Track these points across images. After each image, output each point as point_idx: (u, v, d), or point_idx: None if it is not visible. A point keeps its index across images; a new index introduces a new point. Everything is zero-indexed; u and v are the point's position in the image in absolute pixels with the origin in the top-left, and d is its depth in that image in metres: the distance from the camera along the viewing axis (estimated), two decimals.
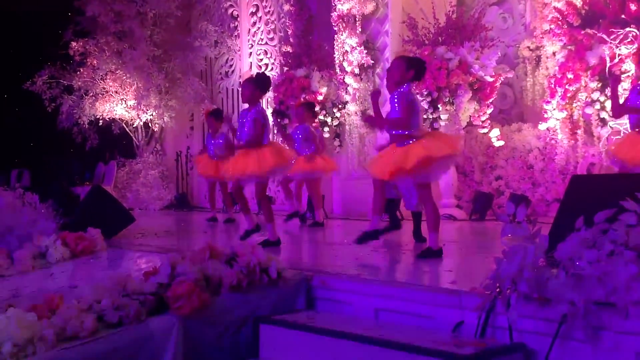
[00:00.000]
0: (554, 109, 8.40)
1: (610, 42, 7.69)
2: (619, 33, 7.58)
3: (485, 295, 3.21)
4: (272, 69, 12.08)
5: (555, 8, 8.51)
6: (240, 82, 12.55)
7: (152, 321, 3.68)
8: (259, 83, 6.05)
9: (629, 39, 7.54)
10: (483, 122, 8.81)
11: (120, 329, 3.58)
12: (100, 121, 12.95)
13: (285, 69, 10.91)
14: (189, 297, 3.72)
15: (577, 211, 3.06)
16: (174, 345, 3.64)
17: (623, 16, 7.63)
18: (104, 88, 12.78)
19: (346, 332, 3.46)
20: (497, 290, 3.11)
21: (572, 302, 2.84)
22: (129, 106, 12.85)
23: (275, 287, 4.04)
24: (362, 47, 9.67)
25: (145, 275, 4.09)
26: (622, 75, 7.63)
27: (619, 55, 7.69)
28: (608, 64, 7.77)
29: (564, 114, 8.37)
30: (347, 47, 9.74)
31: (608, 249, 2.82)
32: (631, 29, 7.52)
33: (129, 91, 12.74)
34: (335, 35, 9.95)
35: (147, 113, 12.94)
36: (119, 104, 12.82)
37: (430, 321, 3.50)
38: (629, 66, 7.57)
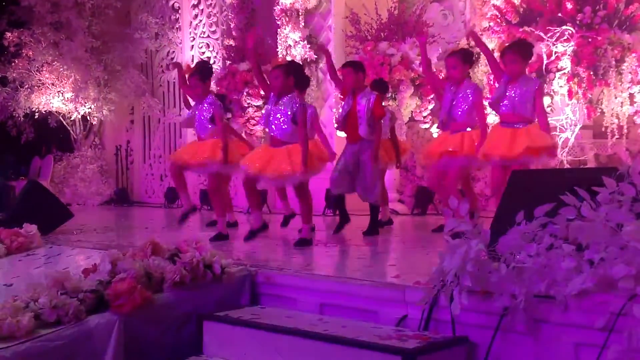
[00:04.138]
0: None
1: (547, 40, 7.86)
2: (555, 31, 7.74)
3: (428, 289, 3.25)
4: (214, 62, 11.94)
5: (494, 6, 8.66)
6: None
7: (91, 320, 3.60)
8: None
9: (565, 37, 7.71)
10: (424, 117, 8.90)
11: (59, 328, 3.50)
12: (36, 114, 12.58)
13: (228, 62, 10.80)
14: (130, 294, 3.65)
15: (518, 205, 3.13)
16: (114, 344, 3.57)
17: (560, 14, 7.81)
18: (40, 80, 12.40)
19: (291, 328, 3.46)
20: (441, 284, 3.15)
21: (513, 295, 2.90)
22: (66, 99, 12.51)
23: (219, 283, 4.00)
24: (305, 42, 9.66)
25: (85, 272, 4.01)
26: (558, 73, 7.83)
27: (555, 52, 7.87)
28: (545, 62, 7.94)
29: None
30: (290, 42, 9.70)
31: (547, 242, 2.89)
32: (567, 27, 7.70)
33: (66, 83, 12.39)
34: (278, 30, 9.90)
35: (85, 106, 12.61)
36: (56, 96, 12.46)
37: (374, 316, 3.53)
38: (565, 63, 7.76)
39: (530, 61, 5.90)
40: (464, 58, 5.94)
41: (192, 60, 12.05)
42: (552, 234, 2.88)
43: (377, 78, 7.61)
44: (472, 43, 9.08)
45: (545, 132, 5.43)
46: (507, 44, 5.83)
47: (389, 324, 3.42)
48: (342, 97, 6.62)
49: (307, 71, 9.59)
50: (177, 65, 7.30)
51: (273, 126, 5.57)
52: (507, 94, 5.50)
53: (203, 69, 6.48)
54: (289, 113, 5.46)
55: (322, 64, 9.64)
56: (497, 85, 6.15)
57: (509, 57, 5.51)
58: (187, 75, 6.54)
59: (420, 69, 8.49)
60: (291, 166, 5.38)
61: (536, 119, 5.52)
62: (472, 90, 5.88)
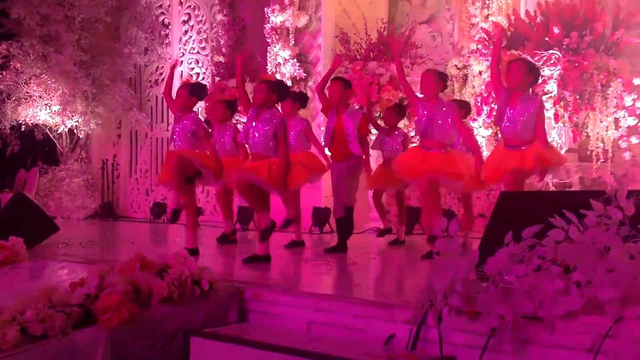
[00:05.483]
0: (480, 127, 8.64)
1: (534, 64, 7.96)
2: (542, 55, 7.85)
3: (416, 309, 3.26)
4: (203, 78, 11.98)
5: (482, 29, 8.78)
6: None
7: (78, 334, 3.57)
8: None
9: (552, 61, 7.81)
10: (412, 137, 8.96)
11: (45, 342, 3.47)
12: (23, 126, 12.55)
13: (217, 79, 10.84)
14: (118, 309, 3.63)
15: (506, 226, 3.15)
16: (101, 358, 3.54)
17: (547, 39, 7.92)
18: (28, 92, 12.39)
19: (278, 345, 3.44)
20: (429, 303, 3.16)
21: (501, 316, 2.92)
22: (53, 112, 12.49)
23: (207, 299, 3.98)
24: (295, 60, 9.73)
25: (72, 286, 3.97)
26: (545, 96, 7.91)
27: (542, 76, 7.97)
28: None
29: (489, 132, 8.61)
30: (280, 60, 9.78)
31: (535, 264, 2.92)
32: (554, 52, 7.81)
33: (53, 96, 12.38)
34: (268, 47, 9.96)
35: (72, 119, 12.61)
36: (43, 109, 12.45)
37: (362, 334, 3.53)
38: (552, 87, 7.86)
39: (533, 82, 5.57)
40: (439, 75, 5.93)
41: (182, 76, 12.08)
42: (540, 256, 2.91)
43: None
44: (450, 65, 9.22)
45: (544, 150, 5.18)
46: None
47: (377, 343, 3.42)
48: (323, 112, 6.72)
49: (296, 89, 9.68)
50: (173, 66, 7.01)
51: (252, 142, 5.47)
52: (507, 111, 5.26)
53: (197, 87, 6.40)
54: (268, 128, 5.35)
55: (311, 83, 9.70)
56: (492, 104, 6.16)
57: (516, 65, 5.28)
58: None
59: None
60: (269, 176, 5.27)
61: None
62: (450, 108, 5.84)
